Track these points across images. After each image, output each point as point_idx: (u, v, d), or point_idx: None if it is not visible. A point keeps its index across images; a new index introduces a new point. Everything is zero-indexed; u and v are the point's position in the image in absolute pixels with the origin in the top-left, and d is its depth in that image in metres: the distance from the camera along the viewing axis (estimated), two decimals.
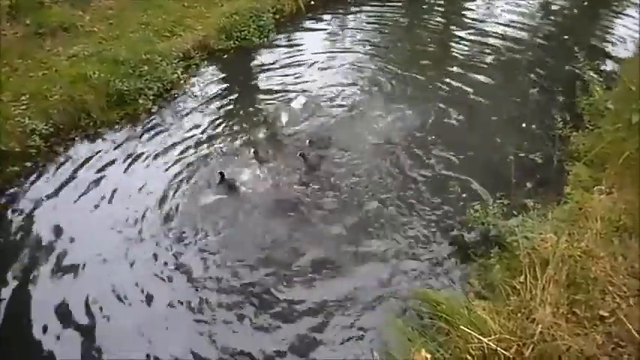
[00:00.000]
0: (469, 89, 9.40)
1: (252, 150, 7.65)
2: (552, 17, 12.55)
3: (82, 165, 7.58)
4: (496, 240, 6.00)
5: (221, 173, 7.19)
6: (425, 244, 6.42)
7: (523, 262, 5.30)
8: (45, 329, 5.44)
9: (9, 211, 6.85)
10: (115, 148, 7.90)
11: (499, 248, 5.81)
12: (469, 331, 4.52)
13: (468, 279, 5.89)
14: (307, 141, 7.82)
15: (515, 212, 6.40)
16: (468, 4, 13.02)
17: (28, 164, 7.46)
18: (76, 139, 8.02)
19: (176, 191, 7.14)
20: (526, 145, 7.93)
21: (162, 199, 7.01)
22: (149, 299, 5.77)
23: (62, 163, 7.60)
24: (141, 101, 8.58)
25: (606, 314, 4.78)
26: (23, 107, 7.80)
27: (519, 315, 4.80)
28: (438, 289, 5.68)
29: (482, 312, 4.84)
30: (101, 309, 5.64)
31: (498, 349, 4.32)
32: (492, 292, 5.39)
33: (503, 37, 11.25)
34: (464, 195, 7.01)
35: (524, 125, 8.44)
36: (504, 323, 4.67)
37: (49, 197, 7.06)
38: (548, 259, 5.14)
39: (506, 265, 5.60)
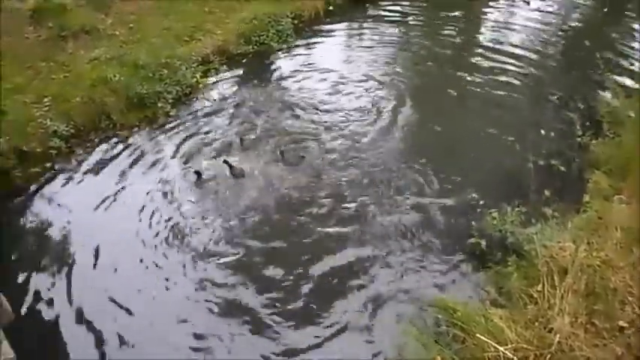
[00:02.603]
0: (488, 97, 9.36)
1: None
2: (572, 24, 12.47)
3: (100, 166, 7.65)
4: (514, 248, 5.95)
5: (226, 162, 7.31)
6: (441, 251, 6.38)
7: (541, 271, 5.26)
8: (65, 331, 5.49)
9: (28, 211, 6.94)
10: (134, 150, 7.96)
11: (517, 256, 5.76)
12: (486, 339, 4.50)
13: (484, 286, 5.84)
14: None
15: (533, 220, 6.36)
16: (487, 12, 12.98)
17: (48, 165, 7.55)
18: (96, 140, 8.10)
19: (192, 191, 7.19)
20: (545, 152, 7.87)
21: (180, 201, 7.04)
22: (172, 304, 5.80)
23: (82, 164, 7.67)
24: (160, 104, 8.66)
25: (625, 325, 4.72)
26: (45, 109, 7.92)
27: (537, 324, 4.76)
28: (455, 297, 5.63)
29: (499, 320, 4.80)
30: (117, 310, 5.68)
31: (515, 358, 4.29)
32: (509, 301, 5.35)
33: (523, 46, 11.19)
34: (481, 202, 6.97)
35: (543, 132, 8.38)
36: (521, 332, 4.63)
37: (68, 197, 7.12)
38: (567, 268, 5.10)
39: (523, 273, 5.54)
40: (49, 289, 5.89)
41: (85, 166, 7.66)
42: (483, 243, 6.22)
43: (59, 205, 7.03)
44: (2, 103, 7.78)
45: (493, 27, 12.29)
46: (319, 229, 6.67)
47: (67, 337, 5.41)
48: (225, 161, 7.34)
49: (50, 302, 5.75)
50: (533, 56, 10.78)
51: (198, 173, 7.31)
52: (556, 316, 4.68)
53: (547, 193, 7.02)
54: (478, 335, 4.60)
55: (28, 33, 9.32)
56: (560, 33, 12.03)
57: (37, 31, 9.36)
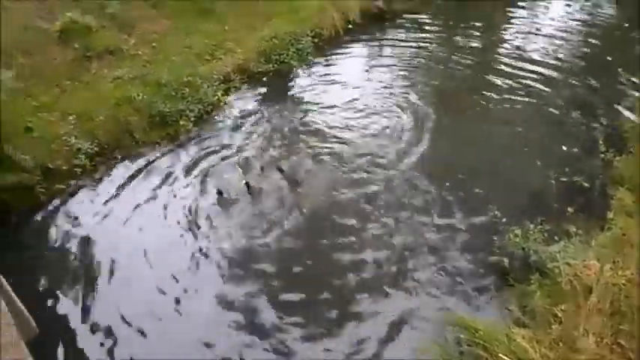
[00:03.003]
0: (509, 112, 9.32)
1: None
2: (593, 39, 12.36)
3: (123, 184, 7.75)
4: (537, 266, 5.86)
5: (246, 183, 7.40)
6: (463, 269, 6.32)
7: (565, 290, 5.17)
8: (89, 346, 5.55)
9: (52, 227, 7.05)
10: (155, 168, 8.06)
11: (540, 274, 5.68)
12: (508, 359, 4.42)
13: (507, 305, 5.76)
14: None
15: (556, 237, 6.27)
16: (506, 26, 12.97)
17: (73, 182, 7.68)
18: (119, 158, 8.22)
19: (214, 210, 7.24)
20: (567, 168, 7.79)
21: (204, 217, 7.10)
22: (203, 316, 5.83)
23: (105, 182, 7.79)
24: (182, 122, 8.78)
25: None
26: (70, 127, 8.07)
27: (561, 344, 4.66)
28: (477, 315, 5.56)
29: (523, 340, 4.72)
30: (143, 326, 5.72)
31: None
32: (533, 320, 5.25)
33: (545, 60, 11.14)
34: (503, 219, 6.89)
35: (565, 148, 8.30)
36: (545, 352, 4.55)
37: (91, 215, 7.22)
38: (592, 286, 5.00)
39: (547, 292, 5.45)
40: (68, 304, 5.97)
41: (107, 183, 7.76)
42: (506, 261, 6.15)
43: (82, 221, 7.13)
44: (28, 120, 7.97)
45: (514, 40, 12.26)
46: (338, 247, 6.66)
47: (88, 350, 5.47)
48: (246, 183, 7.41)
49: (67, 316, 5.82)
50: (555, 71, 10.72)
51: (219, 192, 7.37)
52: (581, 336, 4.59)
53: (570, 210, 6.93)
54: (501, 355, 4.54)
55: (54, 53, 9.53)
56: (582, 47, 11.95)
57: (63, 52, 9.57)
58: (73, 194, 7.54)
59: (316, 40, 11.46)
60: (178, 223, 7.04)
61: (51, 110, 8.34)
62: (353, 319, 5.78)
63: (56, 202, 7.38)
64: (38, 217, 7.14)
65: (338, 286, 6.15)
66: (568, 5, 14.51)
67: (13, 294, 4.14)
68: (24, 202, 7.12)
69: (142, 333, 5.64)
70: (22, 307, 4.15)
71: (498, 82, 10.38)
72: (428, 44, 12.08)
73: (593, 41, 12.27)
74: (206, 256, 6.56)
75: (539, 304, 5.31)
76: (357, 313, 5.85)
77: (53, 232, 6.98)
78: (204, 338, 5.56)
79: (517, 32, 12.88)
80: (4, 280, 4.06)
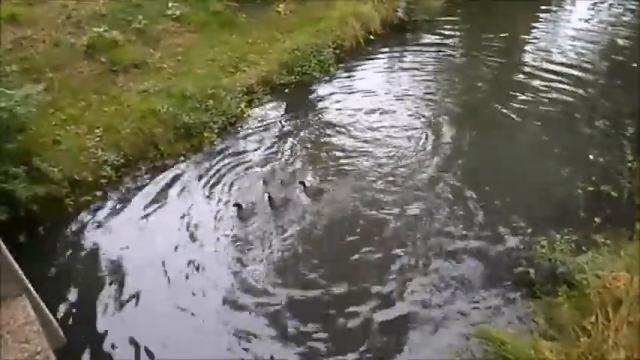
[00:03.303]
0: (534, 121, 9.23)
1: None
2: (620, 46, 12.18)
3: (149, 195, 7.85)
4: (564, 277, 5.78)
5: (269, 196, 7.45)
6: (489, 281, 6.25)
7: (594, 302, 5.07)
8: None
9: (79, 239, 7.16)
10: (179, 179, 8.15)
11: (567, 286, 5.59)
12: None
13: (534, 318, 5.67)
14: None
15: (584, 248, 6.18)
16: (529, 36, 12.85)
17: (99, 193, 7.80)
18: (144, 169, 8.34)
19: (234, 222, 7.30)
20: (594, 178, 7.67)
21: (222, 231, 7.17)
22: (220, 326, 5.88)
23: (131, 193, 7.90)
24: (206, 134, 8.89)
25: None
26: (97, 139, 8.23)
27: (590, 358, 4.57)
28: (503, 328, 5.48)
29: (550, 354, 4.65)
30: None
31: None
32: (560, 333, 5.17)
33: (568, 68, 11.01)
34: (529, 230, 6.81)
35: (591, 157, 8.17)
36: None
37: (117, 226, 7.34)
38: (621, 298, 4.90)
39: (575, 304, 5.37)
40: (97, 315, 6.06)
41: (133, 195, 7.87)
42: (532, 272, 6.06)
43: (109, 231, 7.25)
44: (57, 133, 8.14)
45: (537, 49, 12.15)
46: (361, 255, 6.66)
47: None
48: (268, 196, 7.47)
49: (95, 327, 5.91)
50: (580, 79, 10.58)
51: (238, 205, 7.40)
52: (611, 350, 4.49)
53: (597, 220, 6.83)
54: None
55: (82, 67, 9.73)
56: (606, 54, 11.78)
57: (91, 66, 9.77)
58: (99, 205, 7.66)
59: (338, 52, 11.51)
60: (195, 233, 7.14)
61: (78, 123, 8.52)
62: (375, 328, 5.77)
63: (83, 213, 7.51)
64: (66, 229, 7.26)
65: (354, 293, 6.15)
66: (593, 6, 14.36)
67: (42, 304, 4.22)
68: (52, 213, 7.25)
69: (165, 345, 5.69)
70: (51, 317, 4.22)
71: (523, 90, 10.28)
72: (450, 54, 12.04)
73: (621, 43, 12.07)
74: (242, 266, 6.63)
75: (566, 316, 5.23)
76: (379, 322, 5.84)
77: (81, 243, 7.09)
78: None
79: (541, 38, 12.80)
80: (33, 291, 4.14)
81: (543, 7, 14.46)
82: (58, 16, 10.71)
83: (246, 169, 8.35)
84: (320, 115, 9.88)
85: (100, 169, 7.89)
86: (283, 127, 9.45)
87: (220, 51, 10.92)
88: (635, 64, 11.06)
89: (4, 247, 3.80)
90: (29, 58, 9.52)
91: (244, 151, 8.79)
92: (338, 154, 8.65)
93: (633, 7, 14.49)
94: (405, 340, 5.62)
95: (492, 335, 5.23)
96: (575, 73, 10.80)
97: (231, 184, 8.01)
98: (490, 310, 5.89)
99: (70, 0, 11.14)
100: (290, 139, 9.08)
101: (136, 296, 6.29)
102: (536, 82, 10.52)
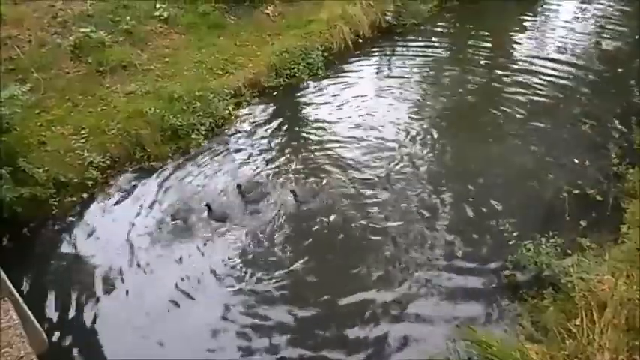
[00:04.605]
0: (520, 125, 9.28)
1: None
2: (605, 51, 12.28)
3: (135, 197, 7.80)
4: (549, 280, 5.82)
5: (207, 205, 7.33)
6: (475, 284, 6.27)
7: (579, 304, 5.12)
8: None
9: (64, 241, 7.11)
10: (165, 181, 8.10)
11: (553, 289, 5.63)
12: None
13: (519, 320, 5.70)
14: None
15: (569, 251, 6.21)
16: (516, 40, 12.92)
17: (85, 195, 7.74)
18: (130, 171, 8.28)
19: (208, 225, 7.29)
20: (580, 181, 7.73)
21: (210, 233, 7.15)
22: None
23: (116, 195, 7.84)
24: (193, 136, 8.84)
25: None
26: (83, 141, 8.17)
27: None
28: (489, 330, 5.51)
29: (536, 356, 4.69)
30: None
31: None
32: (546, 335, 5.21)
33: (555, 72, 11.06)
34: (515, 233, 6.84)
35: (577, 161, 8.24)
36: None
37: (103, 228, 7.28)
38: (606, 301, 4.94)
39: (560, 306, 5.41)
40: (80, 316, 6.04)
41: (118, 197, 7.82)
42: (518, 275, 6.10)
43: (93, 233, 7.20)
44: (42, 134, 8.06)
45: (524, 53, 12.15)
46: (350, 261, 6.65)
47: None
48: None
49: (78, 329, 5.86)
50: (566, 83, 10.65)
51: (208, 207, 7.33)
52: (596, 352, 4.53)
53: (583, 223, 6.86)
54: None
55: (68, 68, 9.66)
56: (593, 59, 11.86)
57: (77, 66, 9.70)
58: (84, 207, 7.60)
59: (326, 55, 11.49)
60: (179, 236, 7.13)
61: (64, 124, 8.46)
62: (359, 328, 5.79)
63: (69, 215, 7.44)
64: (50, 230, 7.20)
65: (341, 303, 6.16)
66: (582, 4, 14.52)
67: (25, 307, 4.16)
68: (37, 215, 7.19)
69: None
70: (35, 321, 4.17)
71: (508, 93, 10.33)
72: (438, 57, 12.04)
73: (606, 50, 12.18)
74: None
75: (552, 319, 5.26)
76: (367, 322, 5.86)
77: (66, 245, 7.03)
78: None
79: (529, 39, 12.82)
80: (16, 293, 4.09)
81: (531, 11, 14.50)
82: (45, 16, 10.63)
83: (233, 170, 8.31)
84: (308, 118, 9.87)
85: (85, 171, 7.83)
86: (271, 129, 9.41)
87: (208, 53, 10.87)
88: (620, 69, 11.15)
89: None
90: (14, 58, 9.46)
91: (231, 153, 8.74)
92: (323, 157, 8.60)
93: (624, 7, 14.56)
94: (389, 342, 5.63)
95: (478, 338, 5.25)
96: (561, 78, 10.82)
97: (218, 185, 7.99)
98: (476, 312, 5.91)
99: (57, 0, 11.06)
100: (277, 142, 9.05)
101: (122, 298, 6.25)
102: (522, 86, 10.55)
